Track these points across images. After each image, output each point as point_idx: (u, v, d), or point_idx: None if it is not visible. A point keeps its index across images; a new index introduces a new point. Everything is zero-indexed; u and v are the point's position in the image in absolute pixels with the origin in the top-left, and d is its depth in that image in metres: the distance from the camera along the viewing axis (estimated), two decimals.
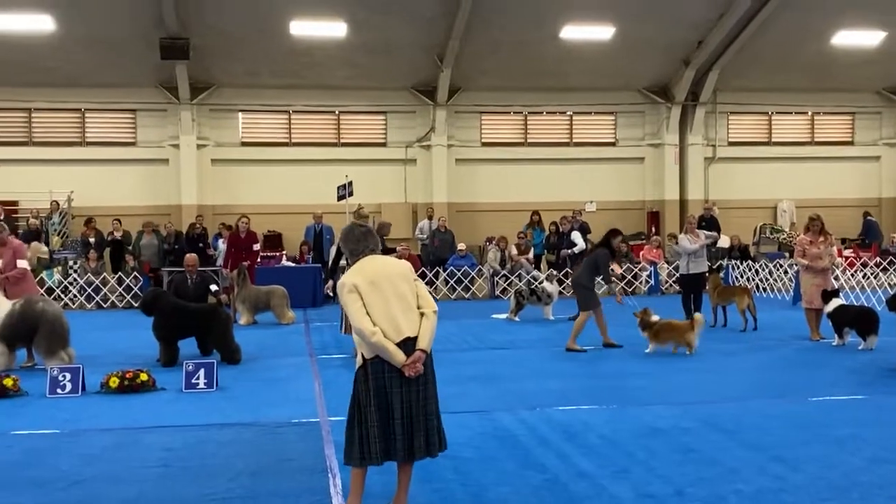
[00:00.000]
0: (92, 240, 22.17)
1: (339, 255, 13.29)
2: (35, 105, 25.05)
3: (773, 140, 28.80)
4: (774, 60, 26.03)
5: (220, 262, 20.71)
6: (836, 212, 25.45)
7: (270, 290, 17.02)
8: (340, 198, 21.65)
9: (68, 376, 9.77)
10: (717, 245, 21.41)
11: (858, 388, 9.69)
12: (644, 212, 27.79)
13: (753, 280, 22.03)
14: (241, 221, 18.35)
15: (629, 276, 22.66)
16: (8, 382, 9.63)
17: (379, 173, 26.00)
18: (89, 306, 20.79)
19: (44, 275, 20.48)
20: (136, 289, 20.58)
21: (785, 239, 26.24)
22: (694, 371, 11.05)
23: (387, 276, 5.51)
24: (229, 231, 20.47)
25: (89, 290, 20.88)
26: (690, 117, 27.49)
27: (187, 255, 14.77)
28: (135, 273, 21.21)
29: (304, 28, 23.31)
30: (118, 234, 22.59)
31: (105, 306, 20.90)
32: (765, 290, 21.76)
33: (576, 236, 21.67)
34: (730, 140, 28.52)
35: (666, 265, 23.24)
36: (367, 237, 5.74)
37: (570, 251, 21.57)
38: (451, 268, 22.66)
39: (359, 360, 5.53)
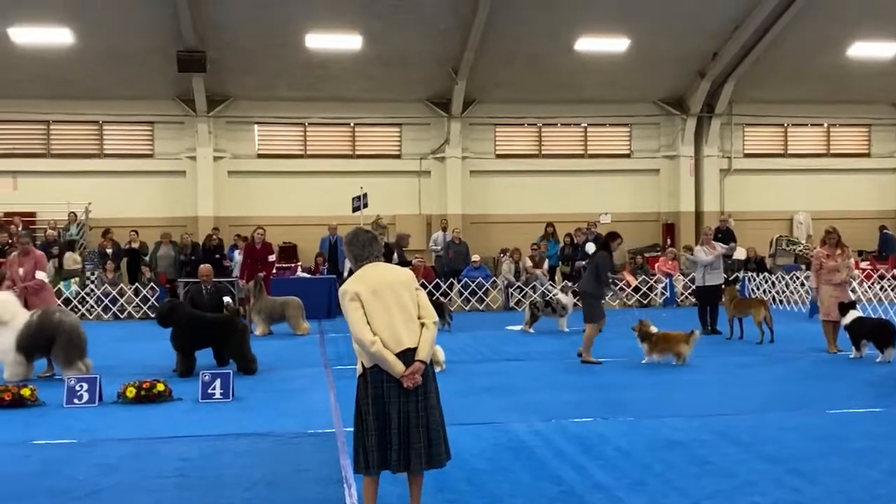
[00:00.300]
0: (109, 251, 22.32)
1: None
2: (54, 117, 25.27)
3: (789, 152, 28.69)
4: (790, 72, 25.98)
5: (236, 272, 20.80)
6: (852, 224, 25.29)
7: (286, 301, 17.07)
8: (355, 209, 21.70)
9: (85, 386, 9.82)
10: (734, 257, 21.32)
11: (876, 401, 9.62)
12: (659, 223, 27.74)
13: (770, 292, 21.92)
14: (256, 233, 18.45)
15: (644, 289, 22.61)
16: (26, 392, 9.69)
17: (393, 185, 26.06)
18: (106, 317, 20.91)
19: (61, 285, 20.63)
20: (152, 300, 20.68)
21: (801, 251, 26.13)
22: (710, 383, 11.00)
23: (389, 284, 5.48)
24: (245, 242, 20.56)
25: (106, 301, 21.01)
26: (706, 129, 27.45)
27: (201, 266, 14.96)
28: (151, 284, 21.33)
29: (319, 41, 23.45)
30: (135, 245, 22.74)
31: (122, 317, 21.02)
32: (781, 302, 21.65)
33: (590, 248, 21.59)
34: (745, 152, 28.43)
35: (681, 277, 23.17)
36: (373, 244, 5.70)
37: (584, 263, 21.50)
38: (466, 279, 22.66)
39: (358, 369, 5.53)
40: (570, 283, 19.53)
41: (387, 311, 5.39)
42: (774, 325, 14.97)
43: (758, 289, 22.29)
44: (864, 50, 25.54)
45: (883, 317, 14.45)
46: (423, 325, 5.49)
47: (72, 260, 22.04)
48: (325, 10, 22.43)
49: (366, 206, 21.45)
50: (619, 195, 27.19)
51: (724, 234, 22.64)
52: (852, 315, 12.91)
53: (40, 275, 12.64)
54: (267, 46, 23.49)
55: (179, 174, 25.70)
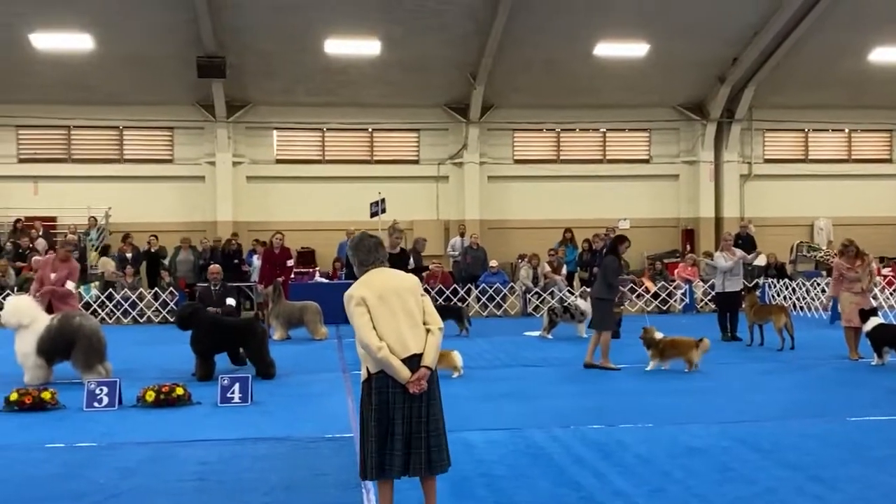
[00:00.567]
0: (129, 255, 22.47)
1: None
2: (74, 122, 25.47)
3: (810, 157, 28.51)
4: (810, 77, 25.84)
5: (254, 277, 20.88)
6: (873, 230, 25.14)
7: (304, 306, 17.10)
8: (373, 214, 21.72)
9: (105, 390, 9.87)
10: (755, 263, 21.19)
11: None
12: (679, 229, 27.61)
13: (790, 298, 21.77)
14: (275, 238, 18.49)
15: (663, 295, 22.51)
16: (46, 396, 9.75)
17: (411, 190, 26.08)
18: (126, 321, 21.03)
19: (81, 290, 20.76)
20: (171, 304, 20.79)
21: (822, 257, 25.94)
22: (731, 390, 10.93)
23: (395, 290, 5.47)
24: (264, 247, 20.63)
25: (126, 305, 21.13)
26: (726, 134, 27.32)
27: (211, 266, 15.45)
28: (171, 288, 21.44)
29: (338, 46, 23.53)
30: (154, 249, 22.88)
31: (141, 321, 21.14)
32: (802, 308, 21.50)
33: None
34: (766, 157, 28.28)
35: (701, 283, 23.05)
36: (378, 249, 5.68)
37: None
38: (483, 285, 22.64)
39: (363, 375, 5.51)
40: (588, 289, 19.48)
41: (393, 316, 5.39)
42: (795, 331, 14.85)
43: (778, 295, 22.15)
44: (885, 55, 25.38)
45: None
46: (428, 331, 5.48)
47: (108, 265, 22.40)
48: (344, 15, 22.51)
49: (384, 211, 21.47)
50: (638, 201, 27.09)
51: (745, 241, 22.51)
52: (873, 322, 12.81)
53: (70, 284, 12.98)
54: (286, 52, 23.61)
55: (199, 179, 25.84)
